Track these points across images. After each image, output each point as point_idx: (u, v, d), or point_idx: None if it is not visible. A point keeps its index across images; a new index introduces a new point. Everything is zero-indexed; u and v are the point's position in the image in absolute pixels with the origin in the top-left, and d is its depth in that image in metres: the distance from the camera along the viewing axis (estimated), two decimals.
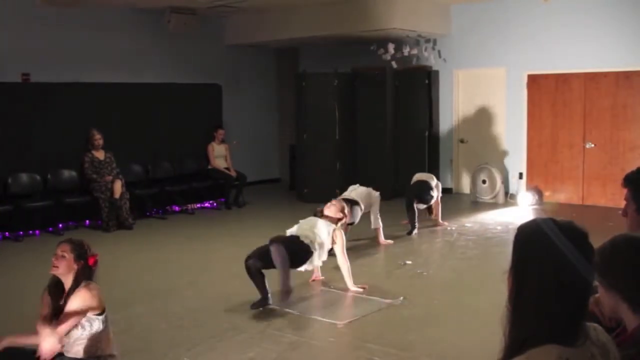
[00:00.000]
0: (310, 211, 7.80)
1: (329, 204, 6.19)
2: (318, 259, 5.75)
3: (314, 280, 6.26)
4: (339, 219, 6.03)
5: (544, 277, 1.55)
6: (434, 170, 11.53)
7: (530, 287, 1.56)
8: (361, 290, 5.88)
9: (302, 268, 5.75)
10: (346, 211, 6.19)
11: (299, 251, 5.59)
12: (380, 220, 7.74)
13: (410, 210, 8.31)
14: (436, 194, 8.58)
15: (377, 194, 7.76)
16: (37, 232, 8.71)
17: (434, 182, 8.62)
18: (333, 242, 5.81)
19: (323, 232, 5.76)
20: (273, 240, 5.56)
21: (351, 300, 5.71)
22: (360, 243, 7.83)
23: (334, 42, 12.02)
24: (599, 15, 9.71)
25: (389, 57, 11.58)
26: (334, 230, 5.84)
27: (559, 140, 10.37)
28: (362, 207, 7.43)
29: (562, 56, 10.10)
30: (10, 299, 5.97)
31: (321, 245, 5.71)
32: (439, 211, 8.80)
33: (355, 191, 7.65)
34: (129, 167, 9.86)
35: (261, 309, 5.40)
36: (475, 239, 8.09)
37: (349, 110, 11.20)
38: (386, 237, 7.89)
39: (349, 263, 5.92)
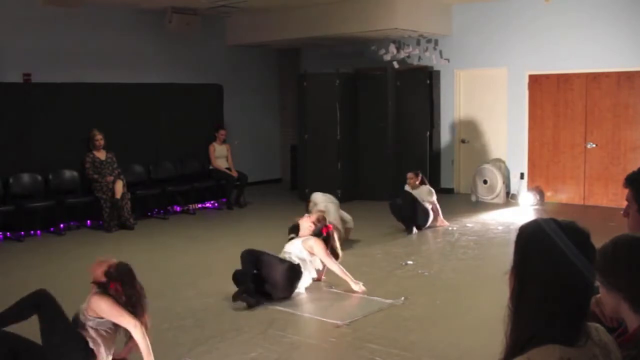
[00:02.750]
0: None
1: (303, 218, 6.22)
2: (308, 275, 5.87)
3: (317, 280, 6.26)
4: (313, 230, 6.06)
5: (546, 277, 1.55)
6: (435, 169, 11.55)
7: (532, 287, 1.56)
8: (363, 289, 5.88)
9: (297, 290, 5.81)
10: (327, 221, 6.21)
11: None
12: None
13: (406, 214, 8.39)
14: (433, 200, 8.59)
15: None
16: (38, 232, 8.72)
17: (426, 200, 8.55)
18: (311, 253, 5.86)
19: (296, 248, 5.85)
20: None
21: (352, 301, 5.71)
22: (360, 244, 7.84)
23: (336, 42, 12.03)
24: (601, 15, 9.70)
25: (389, 57, 11.59)
26: (304, 242, 5.88)
27: (560, 141, 10.36)
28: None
29: (563, 56, 10.09)
30: (12, 300, 5.96)
31: (303, 261, 5.79)
32: (439, 213, 8.77)
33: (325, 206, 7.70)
34: (131, 167, 9.88)
35: (250, 306, 5.42)
36: (477, 239, 8.09)
37: (351, 111, 11.20)
38: (387, 238, 7.90)
39: (338, 264, 5.93)
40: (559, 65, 10.17)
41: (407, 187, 8.69)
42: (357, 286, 5.86)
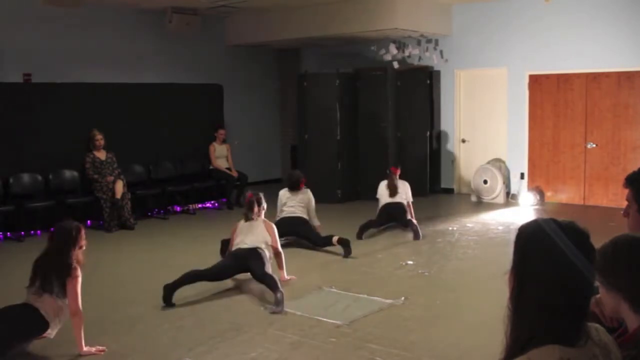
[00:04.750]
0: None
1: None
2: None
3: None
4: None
5: (545, 278, 1.55)
6: (435, 169, 11.55)
7: (532, 287, 1.56)
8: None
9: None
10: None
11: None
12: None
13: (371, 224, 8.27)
14: (408, 199, 8.46)
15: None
16: (39, 232, 8.72)
17: (404, 196, 8.41)
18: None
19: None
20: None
21: (352, 301, 5.71)
22: (360, 244, 7.85)
23: (336, 42, 12.03)
24: (601, 15, 9.70)
25: (390, 57, 11.60)
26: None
27: (560, 140, 10.36)
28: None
29: (563, 56, 10.09)
30: (13, 300, 5.95)
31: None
32: (412, 212, 8.52)
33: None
34: (131, 167, 9.88)
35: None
36: (477, 239, 8.09)
37: (351, 111, 11.20)
38: (388, 238, 7.89)
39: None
40: (559, 65, 10.17)
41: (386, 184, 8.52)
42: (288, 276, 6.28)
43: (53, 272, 4.44)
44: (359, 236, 8.04)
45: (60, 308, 4.45)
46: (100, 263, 7.30)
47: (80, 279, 4.49)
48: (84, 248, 4.62)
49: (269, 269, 5.84)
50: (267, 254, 6.00)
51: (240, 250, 5.94)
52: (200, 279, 5.78)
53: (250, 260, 5.81)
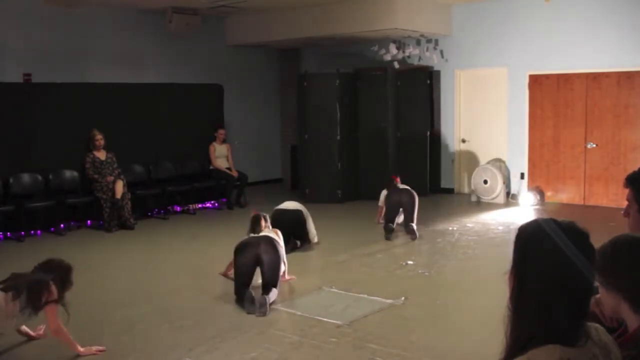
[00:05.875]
0: (311, 210, 7.89)
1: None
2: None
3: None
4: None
5: (545, 278, 1.55)
6: (435, 169, 11.55)
7: (531, 287, 1.56)
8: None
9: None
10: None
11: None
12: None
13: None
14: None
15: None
16: (39, 232, 8.73)
17: (415, 198, 8.37)
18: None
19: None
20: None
21: (352, 301, 5.71)
22: (360, 244, 7.84)
23: (336, 42, 12.03)
24: (601, 15, 9.70)
25: (390, 57, 11.60)
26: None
27: (560, 140, 10.36)
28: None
29: (563, 56, 10.09)
30: None
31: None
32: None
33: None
34: (131, 167, 9.88)
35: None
36: (477, 239, 8.09)
37: (351, 111, 11.20)
38: (389, 241, 7.93)
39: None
40: (559, 65, 10.16)
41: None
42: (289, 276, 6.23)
43: (27, 289, 4.33)
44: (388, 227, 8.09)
45: (12, 315, 4.30)
46: (100, 263, 7.31)
47: (57, 307, 4.40)
48: (69, 288, 4.54)
49: (281, 271, 5.72)
50: (282, 250, 5.85)
51: (251, 238, 5.75)
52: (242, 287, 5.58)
53: (264, 249, 5.55)
